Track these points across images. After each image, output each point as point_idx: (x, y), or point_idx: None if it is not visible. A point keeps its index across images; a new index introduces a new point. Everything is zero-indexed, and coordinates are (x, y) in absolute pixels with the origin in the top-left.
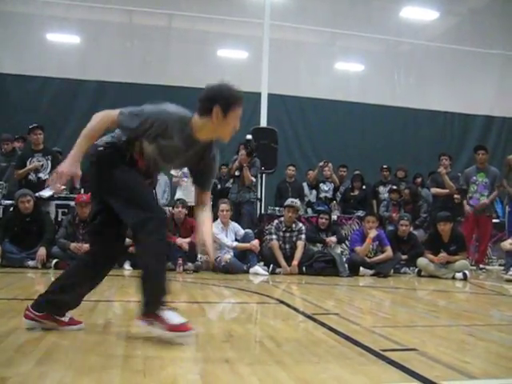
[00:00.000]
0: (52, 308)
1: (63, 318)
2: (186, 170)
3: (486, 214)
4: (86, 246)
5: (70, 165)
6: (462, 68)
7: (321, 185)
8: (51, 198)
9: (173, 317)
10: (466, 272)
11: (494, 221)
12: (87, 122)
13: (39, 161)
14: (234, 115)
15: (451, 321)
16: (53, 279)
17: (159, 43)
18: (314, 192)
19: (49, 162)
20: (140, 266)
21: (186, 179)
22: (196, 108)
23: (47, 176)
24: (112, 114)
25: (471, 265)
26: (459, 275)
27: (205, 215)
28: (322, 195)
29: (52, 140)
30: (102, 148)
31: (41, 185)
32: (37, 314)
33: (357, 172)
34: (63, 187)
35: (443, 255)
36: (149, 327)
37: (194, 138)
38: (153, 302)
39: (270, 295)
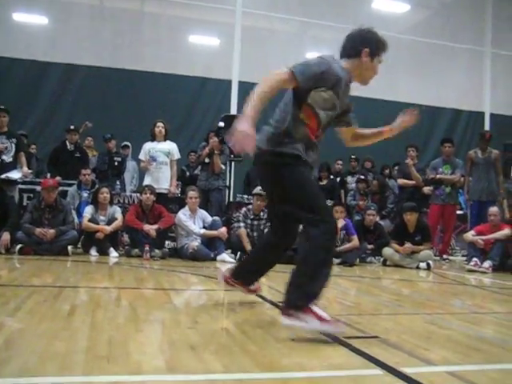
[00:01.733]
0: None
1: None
2: (154, 154)
3: (451, 202)
4: (52, 231)
5: (250, 125)
6: (432, 61)
7: None
8: (17, 181)
9: (322, 312)
10: (430, 262)
11: (458, 212)
12: (55, 105)
13: (3, 143)
14: (379, 60)
15: (414, 309)
16: (17, 265)
17: (130, 27)
18: None
19: (13, 145)
20: (307, 258)
21: (154, 163)
22: (341, 52)
23: (11, 159)
24: (282, 70)
25: (435, 255)
26: (423, 265)
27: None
28: None
29: (18, 123)
30: (276, 148)
31: (4, 167)
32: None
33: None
34: (30, 171)
35: (408, 246)
36: (297, 323)
37: (349, 82)
38: (312, 294)
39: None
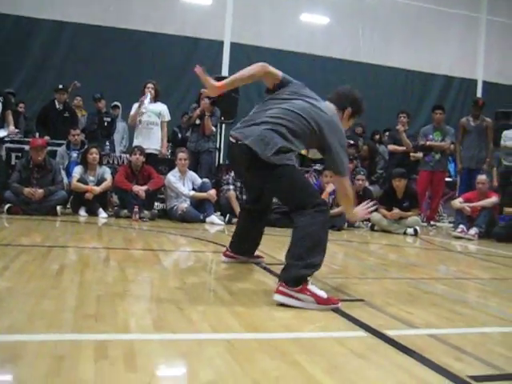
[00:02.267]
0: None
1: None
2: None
3: (440, 169)
4: (41, 191)
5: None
6: (426, 27)
7: None
8: (3, 140)
9: (318, 290)
10: (417, 228)
11: (447, 179)
12: (43, 62)
13: None
14: (352, 121)
15: (400, 274)
16: (6, 224)
17: None
18: None
19: (0, 104)
20: (303, 235)
21: (147, 101)
22: (331, 99)
23: None
24: (347, 181)
25: (423, 221)
26: (410, 231)
27: None
28: None
29: (6, 81)
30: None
31: None
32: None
33: None
34: (17, 130)
35: (396, 211)
36: (291, 301)
37: None
38: (309, 268)
39: (226, 245)
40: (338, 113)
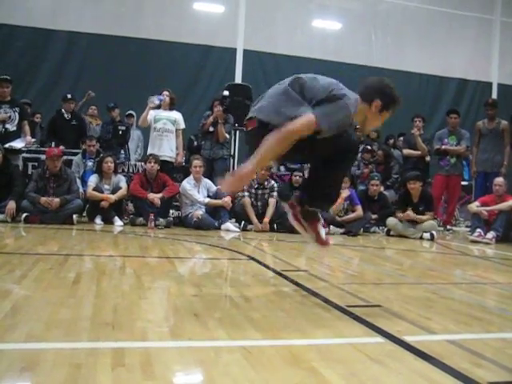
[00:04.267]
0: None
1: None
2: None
3: (456, 172)
4: (57, 200)
5: (252, 172)
6: (439, 30)
7: None
8: (21, 150)
9: (323, 232)
10: (434, 232)
11: (463, 183)
12: (58, 73)
13: (6, 112)
14: (387, 115)
15: (416, 279)
16: (23, 233)
17: None
18: None
19: (16, 114)
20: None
21: (157, 101)
22: (358, 89)
23: (14, 128)
24: (310, 117)
25: (439, 225)
26: (427, 235)
27: None
28: None
29: (21, 91)
30: None
31: (8, 136)
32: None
33: None
34: (33, 140)
35: (409, 212)
36: (297, 225)
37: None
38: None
39: (241, 252)
40: (364, 106)
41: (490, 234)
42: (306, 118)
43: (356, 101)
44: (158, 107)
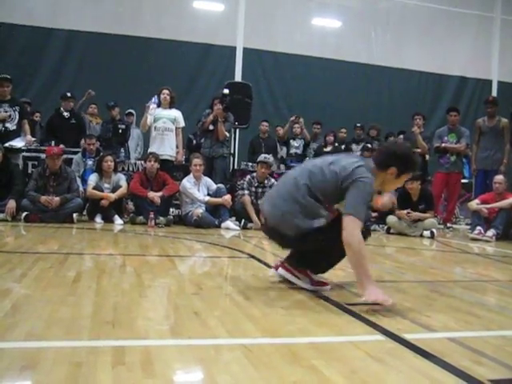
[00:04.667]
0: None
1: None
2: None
3: (456, 170)
4: (57, 199)
5: (379, 292)
6: (439, 28)
7: (291, 141)
8: (21, 149)
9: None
10: (434, 230)
11: (463, 181)
12: (58, 72)
13: (6, 111)
14: (405, 178)
15: (416, 277)
16: (23, 232)
17: None
18: (285, 148)
19: (16, 113)
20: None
21: (154, 105)
22: (374, 156)
23: (14, 127)
24: (356, 223)
25: (439, 223)
26: (427, 233)
27: None
28: (293, 151)
29: (21, 90)
30: None
31: (8, 135)
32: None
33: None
34: (33, 139)
35: (411, 213)
36: (289, 276)
37: None
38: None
39: (241, 250)
40: (379, 173)
41: (490, 232)
42: (352, 225)
43: (370, 170)
44: (158, 105)
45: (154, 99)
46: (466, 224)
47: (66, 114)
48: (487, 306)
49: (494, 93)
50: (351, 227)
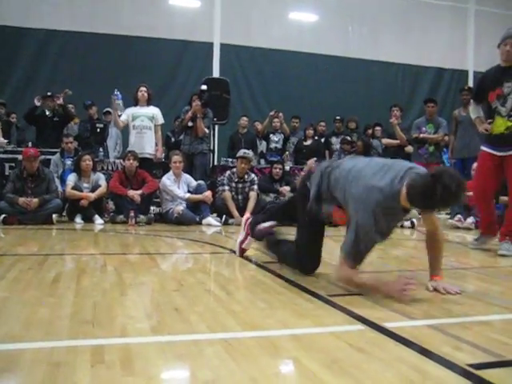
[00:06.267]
0: None
1: None
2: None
3: (434, 161)
4: (35, 200)
5: (397, 289)
6: (414, 20)
7: (271, 135)
8: None
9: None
10: (414, 220)
11: None
12: (33, 72)
13: None
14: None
15: (397, 267)
16: (1, 235)
17: None
18: (264, 143)
19: None
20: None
21: (118, 99)
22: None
23: None
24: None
25: (419, 213)
26: (407, 223)
27: None
28: (273, 146)
29: None
30: None
31: None
32: None
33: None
34: (5, 141)
35: None
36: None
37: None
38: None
39: (223, 246)
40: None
41: (470, 219)
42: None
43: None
44: (135, 104)
45: (115, 92)
46: (446, 213)
47: (49, 113)
48: (467, 293)
49: (471, 83)
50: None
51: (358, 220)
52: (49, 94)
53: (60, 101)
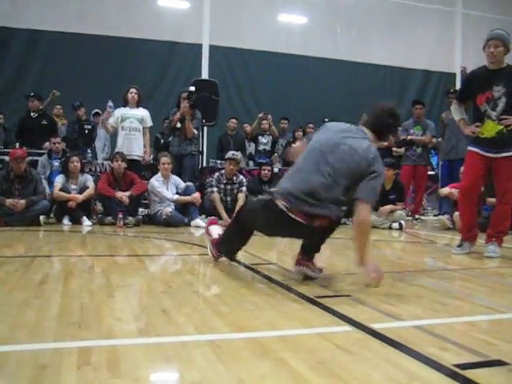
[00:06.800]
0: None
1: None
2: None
3: (422, 163)
4: (22, 201)
5: (378, 267)
6: (402, 23)
7: (259, 137)
8: None
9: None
10: (402, 222)
11: (430, 173)
12: (20, 73)
13: None
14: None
15: (385, 268)
16: None
17: None
18: (253, 145)
19: None
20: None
21: (111, 110)
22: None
23: None
24: (368, 206)
25: (407, 215)
26: (395, 225)
27: None
28: (261, 148)
29: None
30: None
31: None
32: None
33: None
34: None
35: (387, 206)
36: (304, 269)
37: None
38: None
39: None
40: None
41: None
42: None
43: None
44: (125, 106)
45: (109, 103)
46: (434, 215)
47: (33, 114)
48: (454, 294)
49: (458, 85)
50: (364, 212)
51: (379, 170)
52: (31, 94)
53: (38, 104)
